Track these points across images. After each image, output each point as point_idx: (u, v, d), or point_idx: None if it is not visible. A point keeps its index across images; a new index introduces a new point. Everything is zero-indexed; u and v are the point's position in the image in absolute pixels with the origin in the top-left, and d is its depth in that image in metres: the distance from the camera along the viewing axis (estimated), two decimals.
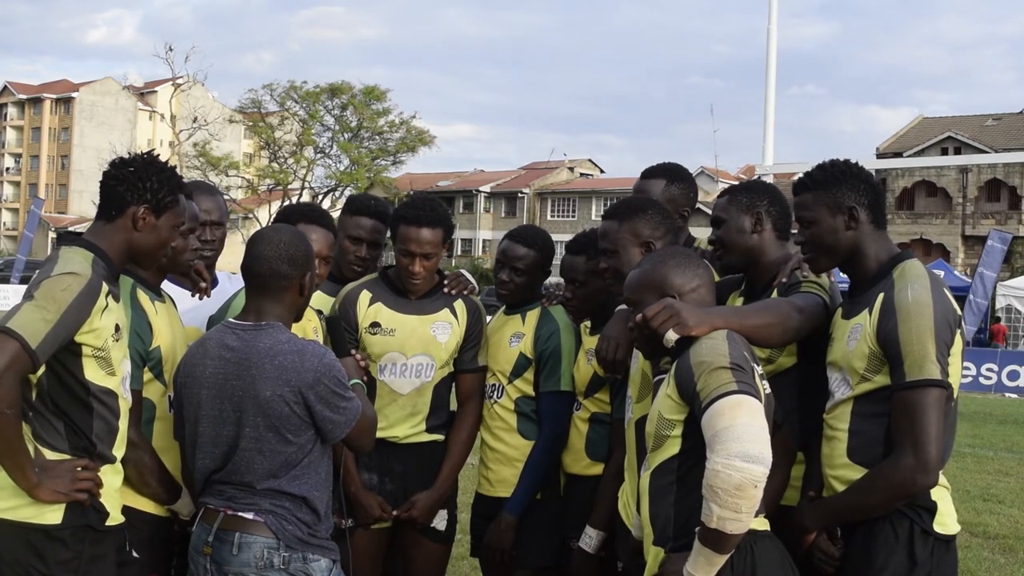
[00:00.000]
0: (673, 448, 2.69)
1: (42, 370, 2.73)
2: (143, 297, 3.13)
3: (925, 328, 2.66)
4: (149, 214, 2.91)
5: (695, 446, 2.61)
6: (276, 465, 2.87)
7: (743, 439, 2.45)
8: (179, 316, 3.32)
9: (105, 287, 2.80)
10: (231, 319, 3.02)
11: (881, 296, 2.76)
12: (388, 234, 3.93)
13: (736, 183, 3.39)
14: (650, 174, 3.86)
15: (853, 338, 2.80)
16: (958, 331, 2.75)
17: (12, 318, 2.63)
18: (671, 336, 2.70)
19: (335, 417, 2.89)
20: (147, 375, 3.11)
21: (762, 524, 2.66)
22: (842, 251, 2.91)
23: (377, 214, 3.91)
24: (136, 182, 2.90)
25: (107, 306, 2.79)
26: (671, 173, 3.83)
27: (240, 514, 2.87)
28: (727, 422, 2.48)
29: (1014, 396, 22.09)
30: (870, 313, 2.77)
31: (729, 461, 2.43)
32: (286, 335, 2.92)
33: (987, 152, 45.98)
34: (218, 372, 2.91)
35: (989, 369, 23.12)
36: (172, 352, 3.15)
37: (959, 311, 2.80)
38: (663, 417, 2.71)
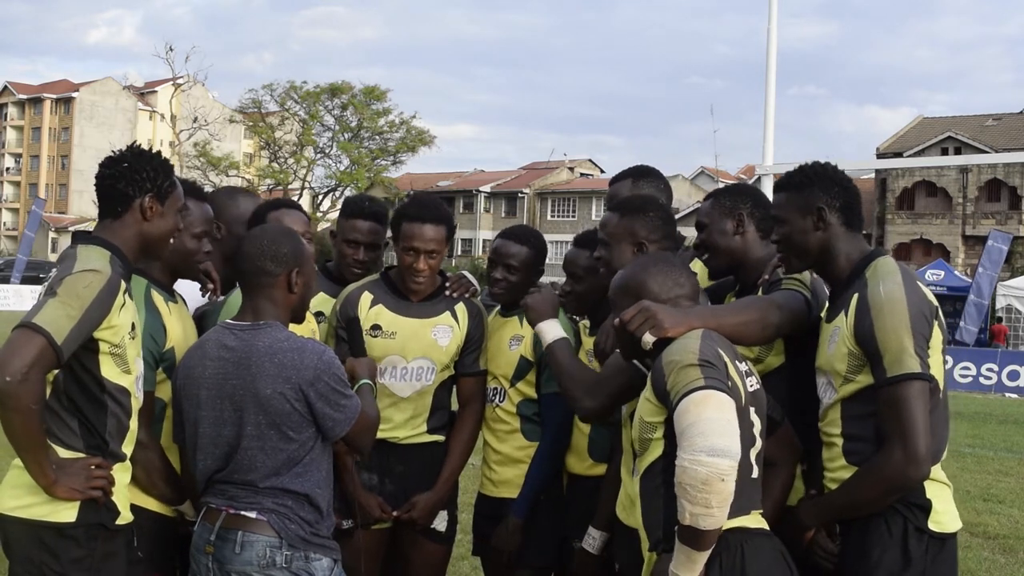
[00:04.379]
0: (657, 451, 2.69)
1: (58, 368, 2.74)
2: (158, 298, 3.15)
3: (900, 323, 2.68)
4: (155, 202, 2.93)
5: (676, 447, 2.61)
6: (278, 463, 2.87)
7: (707, 433, 2.44)
8: (191, 320, 3.35)
9: (123, 285, 2.82)
10: (229, 320, 3.03)
11: (856, 296, 2.79)
12: (388, 234, 3.92)
13: (717, 189, 3.43)
14: (618, 178, 3.90)
15: (832, 341, 2.83)
16: (935, 323, 2.76)
17: (37, 314, 2.65)
18: (648, 339, 2.71)
19: (335, 415, 2.90)
20: (160, 375, 3.13)
21: (756, 522, 2.66)
22: (812, 252, 2.95)
23: (373, 215, 3.89)
24: (133, 175, 2.92)
25: (124, 303, 2.82)
26: (636, 173, 3.87)
27: (243, 513, 2.88)
28: (692, 418, 2.48)
29: (1014, 396, 22.08)
30: (846, 315, 2.79)
31: (695, 456, 2.43)
32: (285, 333, 2.94)
33: (987, 152, 45.94)
34: (217, 372, 2.91)
35: (989, 369, 23.11)
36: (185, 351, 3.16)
37: (935, 303, 2.81)
38: (644, 421, 2.71)
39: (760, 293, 3.12)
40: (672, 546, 2.61)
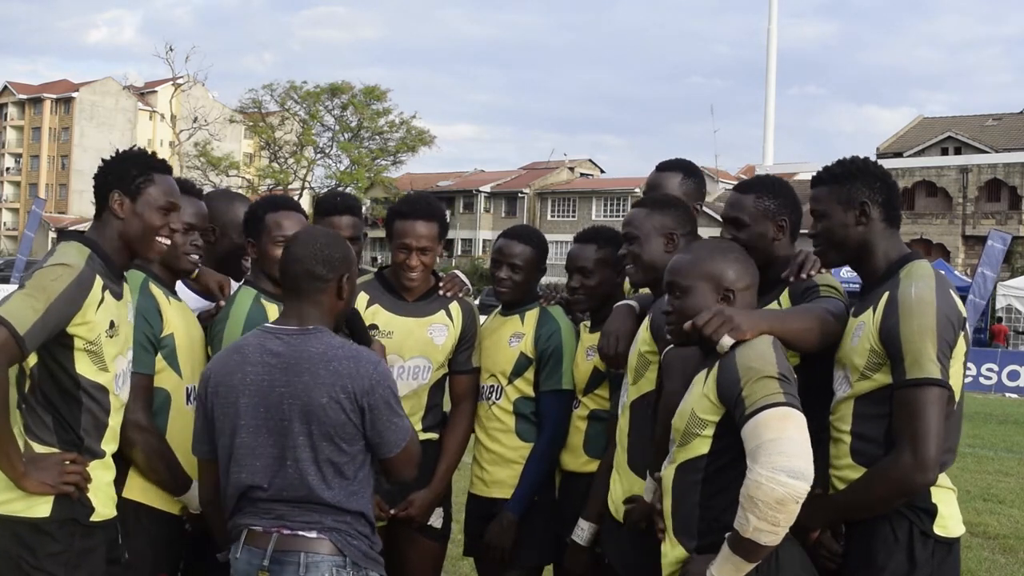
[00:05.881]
0: (702, 447, 2.68)
1: (34, 362, 2.76)
2: (156, 290, 3.17)
3: (927, 327, 2.64)
4: (124, 198, 2.92)
5: (725, 448, 2.62)
6: (330, 476, 2.73)
7: (789, 454, 2.44)
8: (196, 320, 3.34)
9: (100, 282, 2.80)
10: (270, 324, 2.88)
11: (886, 294, 2.75)
12: (364, 228, 3.94)
13: (756, 181, 3.30)
14: (666, 167, 3.86)
15: (856, 335, 2.80)
16: (962, 333, 2.73)
17: (2, 307, 2.66)
18: (726, 342, 2.67)
19: (385, 431, 2.77)
20: (160, 363, 3.11)
21: None
22: (851, 247, 2.90)
23: (348, 209, 3.88)
24: (109, 173, 2.93)
25: (103, 300, 2.80)
26: (687, 168, 3.86)
27: (300, 533, 2.73)
28: (774, 434, 2.47)
29: (1014, 396, 22.10)
30: (874, 311, 2.76)
31: (774, 475, 2.42)
32: (338, 340, 2.80)
33: (987, 152, 45.96)
34: (262, 378, 2.75)
35: (989, 369, 23.13)
36: (189, 347, 3.15)
37: (964, 312, 2.78)
38: (696, 415, 2.70)
39: (787, 294, 3.08)
40: (706, 545, 2.62)
